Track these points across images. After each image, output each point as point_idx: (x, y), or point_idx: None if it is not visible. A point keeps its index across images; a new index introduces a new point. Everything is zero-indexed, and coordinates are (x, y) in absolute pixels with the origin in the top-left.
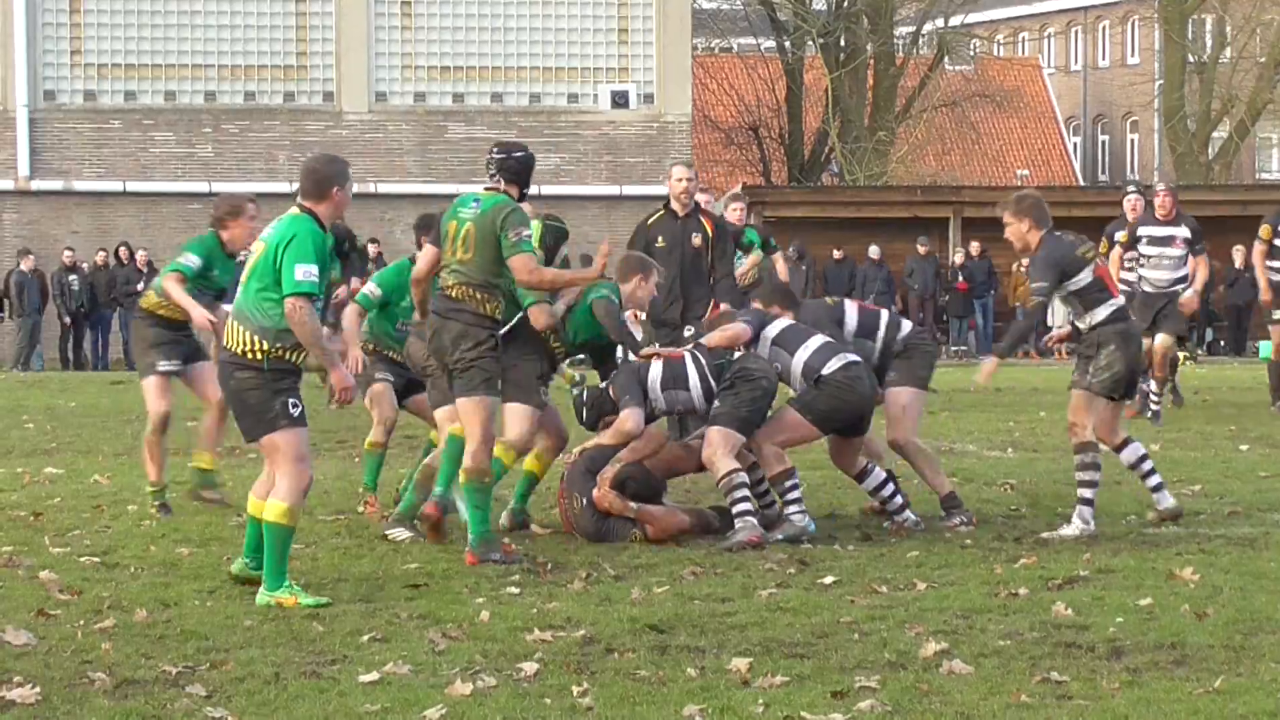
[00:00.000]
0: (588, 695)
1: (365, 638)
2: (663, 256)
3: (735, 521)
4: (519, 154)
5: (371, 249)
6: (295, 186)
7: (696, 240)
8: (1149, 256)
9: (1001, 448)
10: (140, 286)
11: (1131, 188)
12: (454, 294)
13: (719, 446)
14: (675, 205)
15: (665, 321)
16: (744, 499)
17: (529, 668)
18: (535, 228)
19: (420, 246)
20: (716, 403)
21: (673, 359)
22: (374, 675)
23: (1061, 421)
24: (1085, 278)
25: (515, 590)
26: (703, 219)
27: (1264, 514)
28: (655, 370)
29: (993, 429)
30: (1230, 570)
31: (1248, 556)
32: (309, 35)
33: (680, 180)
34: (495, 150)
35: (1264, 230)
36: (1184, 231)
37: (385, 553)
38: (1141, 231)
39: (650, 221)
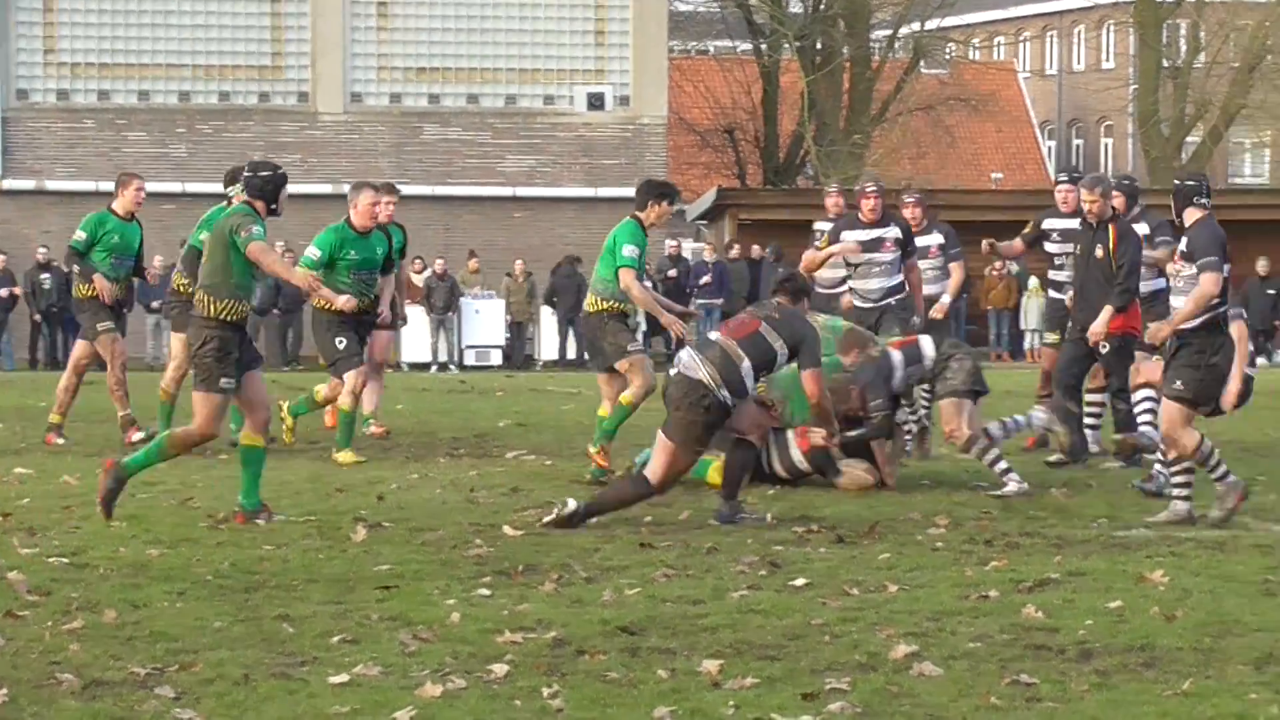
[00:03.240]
0: (558, 697)
1: (335, 639)
2: None
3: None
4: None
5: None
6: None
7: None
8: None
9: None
10: None
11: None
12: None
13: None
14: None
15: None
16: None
17: (499, 669)
18: None
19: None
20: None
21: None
22: (344, 677)
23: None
24: None
25: (486, 592)
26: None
27: (1234, 517)
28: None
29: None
30: (1200, 573)
31: (1217, 559)
32: (284, 35)
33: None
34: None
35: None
36: (894, 232)
37: (356, 554)
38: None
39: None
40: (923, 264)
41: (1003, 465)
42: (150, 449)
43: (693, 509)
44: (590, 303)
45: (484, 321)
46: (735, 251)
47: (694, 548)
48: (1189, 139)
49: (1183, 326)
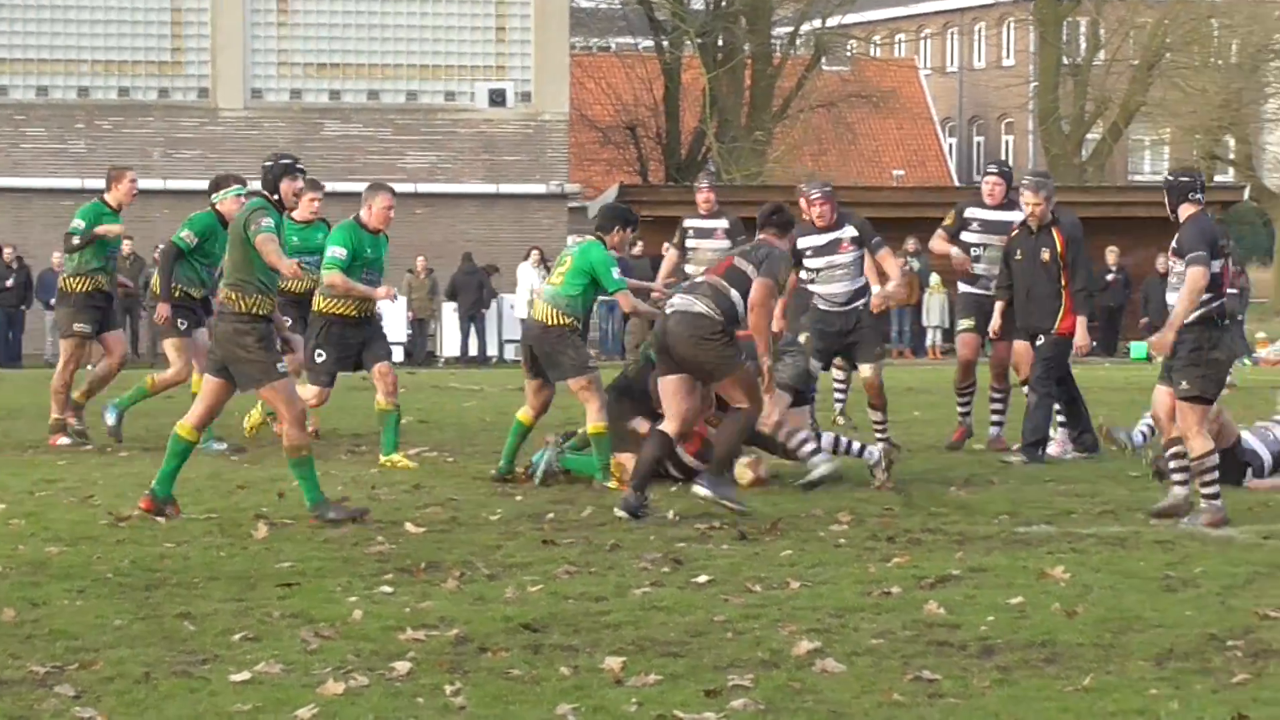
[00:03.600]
0: (460, 694)
1: (237, 637)
2: None
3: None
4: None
5: None
6: (169, 184)
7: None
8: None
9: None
10: (9, 283)
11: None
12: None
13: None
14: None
15: None
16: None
17: (401, 667)
18: None
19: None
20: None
21: None
22: (245, 675)
23: (937, 420)
24: None
25: (388, 589)
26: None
27: (1134, 513)
28: None
29: (867, 427)
30: (1101, 569)
31: (1118, 555)
32: (184, 31)
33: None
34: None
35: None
36: (850, 232)
37: (258, 551)
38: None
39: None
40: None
41: (809, 448)
42: (302, 476)
43: (595, 505)
44: (548, 315)
45: (385, 318)
46: (639, 249)
47: (596, 545)
48: (1089, 136)
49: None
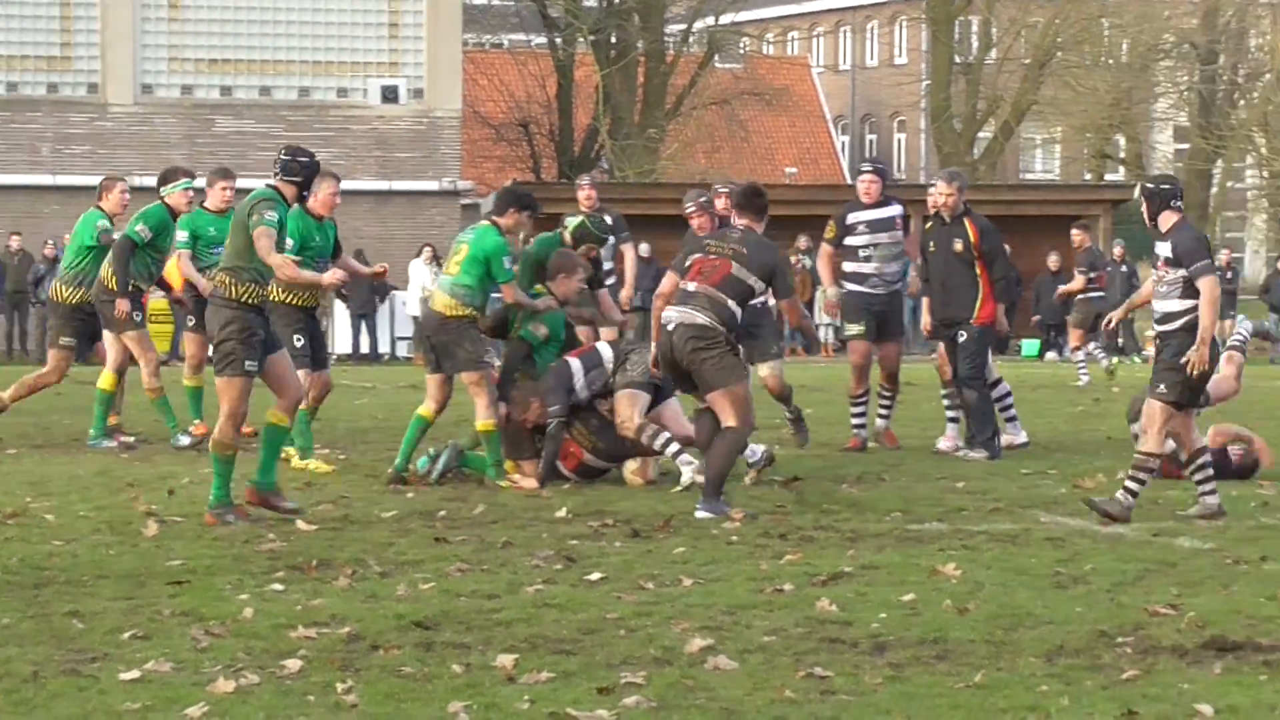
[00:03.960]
0: (352, 692)
1: (126, 635)
2: None
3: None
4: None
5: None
6: (58, 180)
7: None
8: None
9: (768, 444)
10: None
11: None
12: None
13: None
14: None
15: None
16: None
17: (293, 665)
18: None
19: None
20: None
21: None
22: (135, 673)
23: (829, 419)
24: None
25: (279, 587)
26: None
27: (1026, 510)
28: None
29: (759, 425)
30: (992, 566)
31: (1009, 553)
32: (73, 25)
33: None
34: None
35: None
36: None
37: (147, 549)
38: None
39: None
40: None
41: (675, 448)
42: (218, 473)
43: (487, 503)
44: (447, 305)
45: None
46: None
47: (489, 542)
48: (981, 134)
49: (1164, 329)
